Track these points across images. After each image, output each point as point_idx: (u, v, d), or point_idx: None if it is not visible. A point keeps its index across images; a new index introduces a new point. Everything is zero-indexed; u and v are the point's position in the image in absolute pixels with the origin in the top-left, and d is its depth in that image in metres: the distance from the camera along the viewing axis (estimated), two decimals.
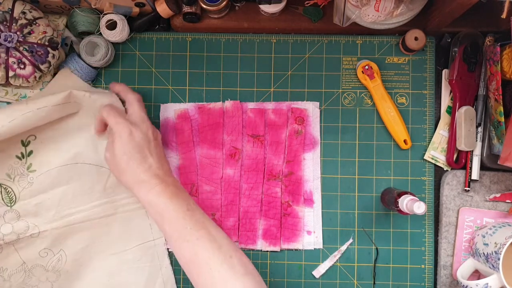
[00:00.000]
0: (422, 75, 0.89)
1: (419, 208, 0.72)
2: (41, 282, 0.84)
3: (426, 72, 0.89)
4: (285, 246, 0.87)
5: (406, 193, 0.77)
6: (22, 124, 0.74)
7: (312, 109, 0.88)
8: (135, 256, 0.87)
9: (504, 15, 0.62)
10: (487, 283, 0.75)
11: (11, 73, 0.79)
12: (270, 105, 0.89)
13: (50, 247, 0.83)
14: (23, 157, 0.80)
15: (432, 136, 0.88)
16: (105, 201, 0.85)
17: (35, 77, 0.80)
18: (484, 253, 0.78)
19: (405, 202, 0.75)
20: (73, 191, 0.82)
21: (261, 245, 0.87)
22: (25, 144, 0.79)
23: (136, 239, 0.87)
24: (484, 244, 0.79)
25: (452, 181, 0.87)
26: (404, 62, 0.89)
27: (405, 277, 0.87)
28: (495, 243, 0.76)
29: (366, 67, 0.87)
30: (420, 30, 0.85)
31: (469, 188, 0.86)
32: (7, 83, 0.81)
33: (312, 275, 0.87)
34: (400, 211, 0.77)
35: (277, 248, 0.87)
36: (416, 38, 0.85)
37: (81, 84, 0.86)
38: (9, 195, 0.80)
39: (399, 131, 0.87)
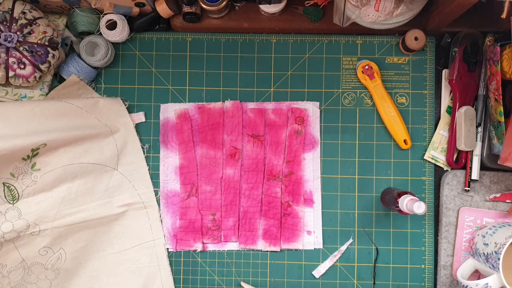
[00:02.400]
0: (422, 75, 0.89)
1: (419, 208, 0.72)
2: (40, 280, 0.84)
3: (426, 72, 0.89)
4: (285, 246, 0.87)
5: (406, 193, 0.77)
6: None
7: (312, 109, 0.88)
8: (135, 256, 0.87)
9: (504, 15, 0.62)
10: (487, 283, 0.75)
11: (11, 73, 0.79)
12: (270, 105, 0.89)
13: (50, 245, 0.83)
14: (28, 158, 0.80)
15: (432, 136, 0.88)
16: (107, 201, 0.85)
17: (35, 77, 0.80)
18: (484, 253, 0.78)
19: (405, 202, 0.75)
20: (76, 190, 0.83)
21: (261, 245, 0.87)
22: (34, 150, 0.79)
23: (136, 239, 0.87)
24: (484, 244, 0.79)
25: (452, 181, 0.87)
26: (404, 62, 0.89)
27: (405, 277, 0.87)
28: (495, 243, 0.76)
29: (366, 67, 0.87)
30: (420, 30, 0.84)
31: (469, 188, 0.86)
32: (7, 83, 0.81)
33: (312, 275, 0.87)
34: (400, 211, 0.77)
35: (277, 248, 0.87)
36: (416, 38, 0.84)
37: (89, 91, 0.88)
38: (12, 192, 0.80)
39: (399, 131, 0.87)
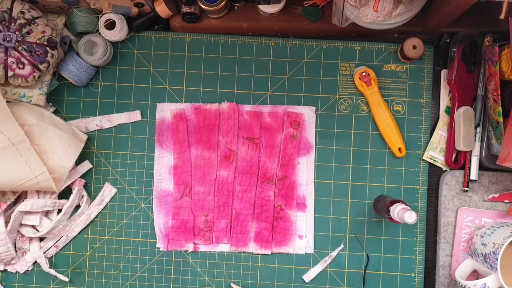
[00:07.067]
0: (419, 83, 0.88)
1: (410, 217, 0.72)
2: None
3: (423, 81, 0.88)
4: (276, 249, 0.88)
5: (398, 201, 0.77)
6: None
7: (308, 113, 0.88)
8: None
9: (502, 16, 0.61)
10: (485, 283, 0.75)
11: (10, 73, 0.80)
12: (266, 108, 0.89)
13: None
14: None
15: (427, 145, 0.87)
16: None
17: (34, 76, 0.81)
18: (482, 253, 0.78)
19: (396, 211, 0.75)
20: None
21: (253, 247, 0.88)
22: None
23: (13, 182, 0.79)
24: (483, 244, 0.79)
25: (451, 181, 0.86)
26: (402, 70, 0.88)
27: (394, 284, 0.87)
28: (493, 243, 0.76)
29: (364, 73, 0.86)
30: (419, 39, 0.83)
31: (467, 188, 0.86)
32: (6, 83, 0.82)
33: (302, 279, 0.88)
34: (391, 219, 0.77)
35: (268, 252, 0.88)
36: (414, 47, 0.83)
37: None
38: None
39: (394, 139, 0.86)
